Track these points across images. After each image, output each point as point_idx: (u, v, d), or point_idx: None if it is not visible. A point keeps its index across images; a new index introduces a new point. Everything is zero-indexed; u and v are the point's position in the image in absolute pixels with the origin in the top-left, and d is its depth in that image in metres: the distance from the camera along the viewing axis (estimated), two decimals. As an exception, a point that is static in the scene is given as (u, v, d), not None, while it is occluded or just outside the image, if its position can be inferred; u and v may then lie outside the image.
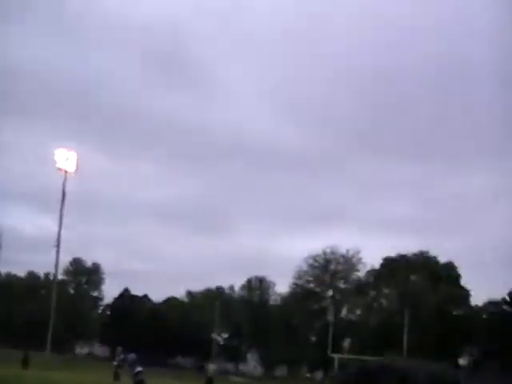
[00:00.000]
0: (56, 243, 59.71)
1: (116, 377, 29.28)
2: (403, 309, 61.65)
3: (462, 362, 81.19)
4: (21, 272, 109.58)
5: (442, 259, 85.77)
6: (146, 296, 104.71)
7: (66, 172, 59.29)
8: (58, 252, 59.94)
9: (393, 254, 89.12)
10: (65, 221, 60.64)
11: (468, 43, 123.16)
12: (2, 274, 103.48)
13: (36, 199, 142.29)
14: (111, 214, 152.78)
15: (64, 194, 59.39)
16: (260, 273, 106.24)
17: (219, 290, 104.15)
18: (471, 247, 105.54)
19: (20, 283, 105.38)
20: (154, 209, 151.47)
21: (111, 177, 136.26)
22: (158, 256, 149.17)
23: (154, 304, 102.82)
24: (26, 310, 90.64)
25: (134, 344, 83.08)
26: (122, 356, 30.67)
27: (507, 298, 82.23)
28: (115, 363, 32.70)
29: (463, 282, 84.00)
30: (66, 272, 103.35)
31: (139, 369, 18.58)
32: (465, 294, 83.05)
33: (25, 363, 44.85)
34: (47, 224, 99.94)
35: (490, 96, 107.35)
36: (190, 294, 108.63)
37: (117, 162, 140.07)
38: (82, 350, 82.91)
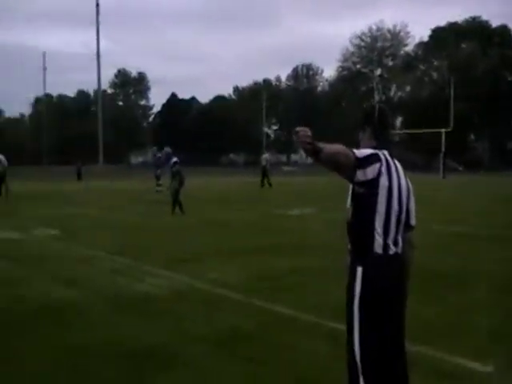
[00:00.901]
0: (96, 55, 59.57)
1: (157, 178, 29.08)
2: (453, 79, 58.80)
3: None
4: (71, 92, 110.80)
5: (495, 23, 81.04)
6: (193, 98, 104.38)
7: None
8: (98, 62, 59.28)
9: (442, 23, 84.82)
10: (106, 34, 59.89)
11: None
12: (54, 95, 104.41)
13: (75, 16, 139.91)
14: (150, 22, 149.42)
15: (98, 4, 57.76)
16: (306, 60, 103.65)
17: (266, 82, 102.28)
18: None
19: (71, 103, 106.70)
20: (195, 10, 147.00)
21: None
22: (203, 58, 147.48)
23: (202, 105, 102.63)
24: (79, 128, 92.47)
25: (186, 147, 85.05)
26: (158, 155, 30.22)
27: None
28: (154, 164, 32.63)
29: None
30: (112, 85, 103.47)
31: (175, 159, 17.86)
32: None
33: (79, 176, 46.40)
34: (90, 40, 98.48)
35: None
36: (237, 90, 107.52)
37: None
38: (136, 159, 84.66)
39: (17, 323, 6.15)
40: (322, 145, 3.02)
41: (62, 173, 52.36)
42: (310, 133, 2.99)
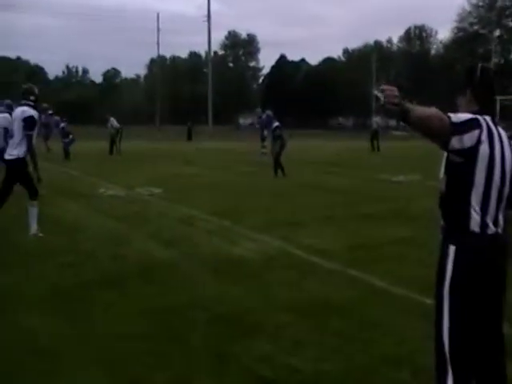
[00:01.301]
0: (207, 17, 60.37)
1: (262, 140, 29.09)
2: None
3: None
4: (184, 54, 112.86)
5: None
6: (303, 60, 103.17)
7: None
8: (209, 24, 60.06)
9: None
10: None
11: None
12: (167, 57, 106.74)
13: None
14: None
15: None
16: (419, 22, 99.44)
17: (377, 44, 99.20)
18: None
19: (184, 64, 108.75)
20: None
21: None
22: (313, 19, 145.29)
23: (311, 67, 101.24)
24: (190, 89, 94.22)
25: (294, 109, 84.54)
26: (262, 116, 30.12)
27: None
28: (257, 126, 32.68)
29: None
30: (223, 46, 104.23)
31: (276, 123, 17.72)
32: None
33: (189, 136, 47.44)
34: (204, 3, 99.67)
35: None
36: (346, 52, 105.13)
37: None
38: (245, 120, 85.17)
39: (115, 281, 6.26)
40: (411, 106, 2.69)
41: (173, 133, 53.71)
42: (397, 92, 2.67)
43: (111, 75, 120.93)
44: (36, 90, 8.45)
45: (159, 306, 5.42)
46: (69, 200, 12.31)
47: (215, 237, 8.55)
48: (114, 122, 27.75)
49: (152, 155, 27.01)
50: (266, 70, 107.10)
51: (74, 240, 8.21)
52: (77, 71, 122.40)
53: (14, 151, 8.14)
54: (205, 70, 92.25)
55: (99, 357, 4.38)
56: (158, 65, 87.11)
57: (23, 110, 8.18)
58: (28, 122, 8.08)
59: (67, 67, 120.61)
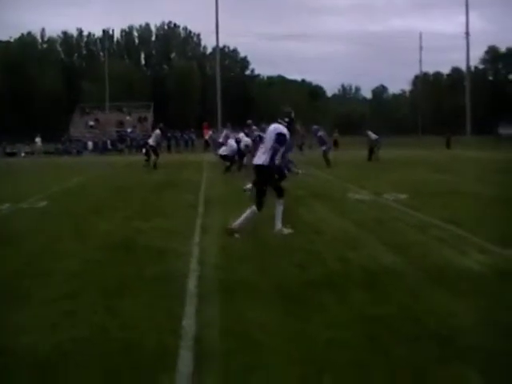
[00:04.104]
0: (465, 33, 57.09)
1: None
2: None
3: None
4: (446, 69, 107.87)
5: None
6: None
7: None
8: (467, 40, 56.33)
9: None
10: (475, 14, 56.76)
11: None
12: (430, 73, 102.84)
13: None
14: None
15: None
16: None
17: None
18: None
19: (445, 79, 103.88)
20: None
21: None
22: None
23: None
24: (451, 101, 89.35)
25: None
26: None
27: None
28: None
29: None
30: (483, 61, 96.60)
31: None
32: None
33: (448, 145, 46.05)
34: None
35: None
36: None
37: None
38: (504, 130, 77.51)
39: (336, 284, 5.70)
40: None
41: (433, 142, 51.33)
42: None
43: (380, 91, 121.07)
44: (292, 115, 8.40)
45: (373, 314, 4.73)
46: (317, 201, 12.08)
47: (446, 246, 7.45)
48: (371, 134, 27.62)
49: (408, 162, 25.98)
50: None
51: (311, 240, 7.87)
52: (350, 89, 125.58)
53: (261, 157, 8.15)
54: (464, 83, 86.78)
55: (302, 357, 3.91)
56: (421, 81, 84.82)
57: (276, 127, 8.17)
58: (278, 137, 8.02)
59: (342, 86, 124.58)
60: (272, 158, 8.03)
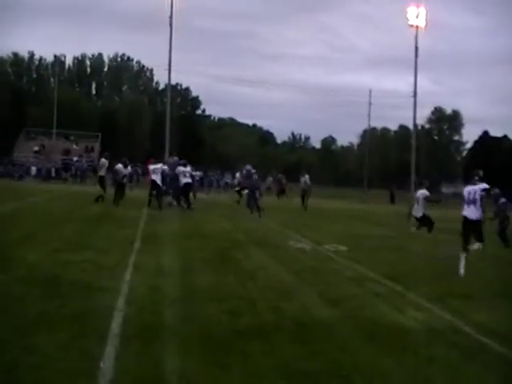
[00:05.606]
0: (413, 94, 59.08)
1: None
2: None
3: None
4: (393, 126, 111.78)
5: None
6: (505, 136, 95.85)
7: (417, 28, 56.06)
8: (415, 101, 58.58)
9: None
10: (424, 75, 58.94)
11: None
12: (378, 128, 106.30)
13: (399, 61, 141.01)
14: (466, 65, 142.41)
15: (417, 49, 56.92)
16: None
17: None
18: None
19: (392, 135, 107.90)
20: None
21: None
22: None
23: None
24: (398, 157, 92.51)
25: (498, 184, 77.71)
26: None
27: None
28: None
29: None
30: (429, 120, 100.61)
31: (503, 200, 16.35)
32: None
33: (392, 199, 47.52)
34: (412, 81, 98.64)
35: None
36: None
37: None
38: (447, 189, 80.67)
39: (264, 333, 5.56)
40: None
41: (378, 196, 52.57)
42: None
43: (329, 142, 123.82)
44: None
45: (299, 368, 4.61)
46: (256, 247, 11.98)
47: (382, 301, 7.46)
48: (307, 180, 28.30)
49: (351, 215, 26.24)
50: (468, 145, 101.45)
51: (244, 286, 7.71)
52: (300, 138, 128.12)
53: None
54: (411, 141, 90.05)
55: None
56: (369, 135, 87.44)
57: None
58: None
59: (292, 134, 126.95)
60: None
